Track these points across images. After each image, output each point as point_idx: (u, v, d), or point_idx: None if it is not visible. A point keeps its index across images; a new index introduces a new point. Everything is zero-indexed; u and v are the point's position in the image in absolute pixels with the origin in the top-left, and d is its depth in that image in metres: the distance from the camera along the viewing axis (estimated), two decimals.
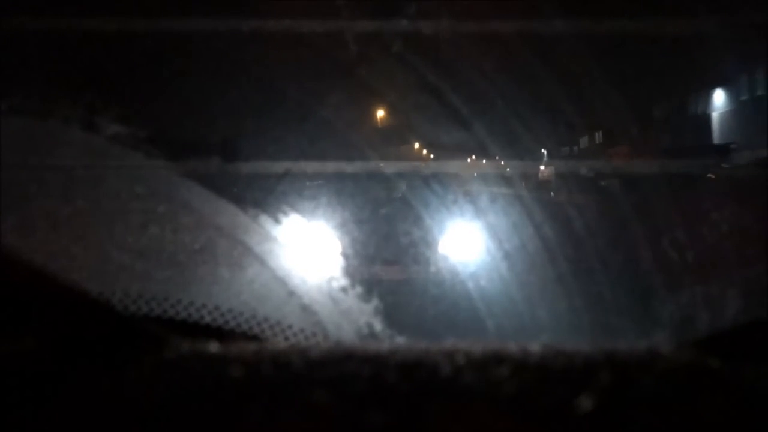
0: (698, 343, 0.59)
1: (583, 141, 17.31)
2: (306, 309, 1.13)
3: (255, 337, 1.02)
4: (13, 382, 0.53)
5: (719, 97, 15.52)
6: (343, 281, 1.20)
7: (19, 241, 1.02)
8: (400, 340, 1.09)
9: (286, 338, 1.05)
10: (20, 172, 1.10)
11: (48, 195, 1.12)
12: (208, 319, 1.01)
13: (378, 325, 1.17)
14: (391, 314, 1.19)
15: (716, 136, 15.10)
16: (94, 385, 0.53)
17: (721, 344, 0.59)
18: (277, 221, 1.26)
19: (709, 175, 7.21)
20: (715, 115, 15.49)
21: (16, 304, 0.57)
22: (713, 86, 15.37)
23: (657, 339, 0.60)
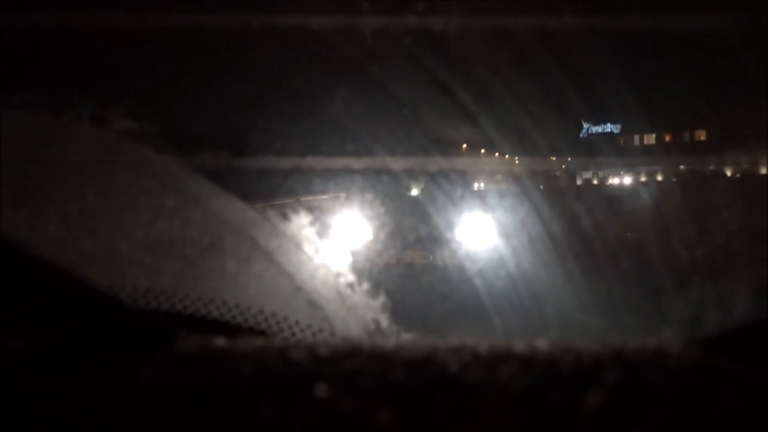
0: (707, 341, 0.59)
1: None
2: (313, 305, 1.13)
3: (262, 333, 1.02)
4: (23, 376, 0.54)
5: None
6: (351, 277, 1.20)
7: (30, 235, 1.02)
8: (407, 336, 1.09)
9: (293, 334, 1.05)
10: (31, 167, 1.11)
11: (58, 189, 1.13)
12: (215, 314, 1.01)
13: (385, 321, 1.17)
14: (398, 310, 1.19)
15: None
16: (102, 379, 0.53)
17: (730, 342, 0.58)
18: (285, 217, 1.27)
19: None
20: None
21: (26, 299, 0.57)
22: None
23: (665, 337, 0.60)
